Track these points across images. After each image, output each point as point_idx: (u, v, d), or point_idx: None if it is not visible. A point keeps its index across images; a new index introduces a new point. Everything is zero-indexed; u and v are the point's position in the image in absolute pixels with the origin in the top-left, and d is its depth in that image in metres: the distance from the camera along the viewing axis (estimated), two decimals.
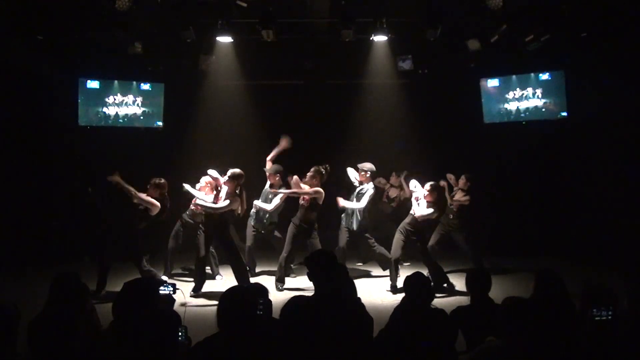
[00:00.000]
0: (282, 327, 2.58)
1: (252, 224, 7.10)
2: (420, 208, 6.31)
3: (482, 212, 7.60)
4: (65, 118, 8.67)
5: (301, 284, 6.83)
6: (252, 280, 6.53)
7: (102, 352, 2.72)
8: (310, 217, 6.52)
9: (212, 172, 6.28)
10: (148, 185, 6.19)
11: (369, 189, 6.71)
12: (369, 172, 6.74)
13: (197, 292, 6.25)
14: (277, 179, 6.89)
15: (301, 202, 6.56)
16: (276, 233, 7.18)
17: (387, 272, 7.15)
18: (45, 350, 2.79)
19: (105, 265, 6.27)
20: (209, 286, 6.55)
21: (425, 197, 6.28)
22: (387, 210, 7.80)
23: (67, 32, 7.19)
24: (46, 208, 8.49)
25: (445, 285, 6.51)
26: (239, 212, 6.32)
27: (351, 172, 6.89)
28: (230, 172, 6.19)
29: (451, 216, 7.03)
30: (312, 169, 6.50)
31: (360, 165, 6.77)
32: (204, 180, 6.64)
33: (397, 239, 6.49)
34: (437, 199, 6.27)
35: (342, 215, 6.83)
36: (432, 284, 3.32)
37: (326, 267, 3.20)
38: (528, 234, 8.52)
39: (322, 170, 6.51)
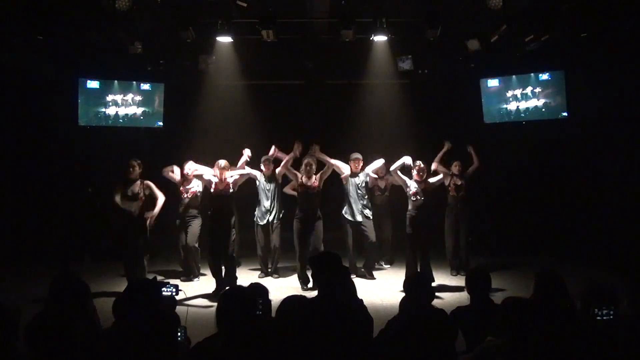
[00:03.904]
0: (278, 327, 2.57)
1: (258, 221, 7.21)
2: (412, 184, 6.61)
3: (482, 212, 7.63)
4: (65, 118, 8.67)
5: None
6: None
7: (102, 352, 2.72)
8: (300, 206, 6.66)
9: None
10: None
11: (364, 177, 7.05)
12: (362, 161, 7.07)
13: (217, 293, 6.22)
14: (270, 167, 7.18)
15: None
16: (275, 234, 7.19)
17: (385, 272, 7.18)
18: (45, 350, 2.79)
19: (130, 263, 6.34)
20: (208, 286, 6.55)
21: (415, 176, 6.56)
22: (383, 202, 7.79)
23: (67, 32, 7.18)
24: (46, 208, 8.49)
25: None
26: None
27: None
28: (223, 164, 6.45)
29: (459, 205, 7.20)
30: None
31: (356, 156, 7.00)
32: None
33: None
34: (424, 178, 6.56)
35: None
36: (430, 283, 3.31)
37: (331, 269, 3.20)
38: (528, 234, 8.52)
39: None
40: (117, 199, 6.24)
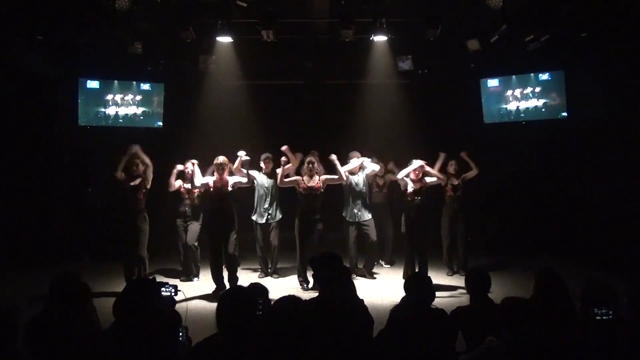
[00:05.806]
0: (270, 327, 2.55)
1: (257, 220, 7.21)
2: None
3: (482, 212, 7.64)
4: (65, 118, 8.67)
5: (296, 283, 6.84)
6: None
7: (102, 353, 2.72)
8: (302, 207, 6.65)
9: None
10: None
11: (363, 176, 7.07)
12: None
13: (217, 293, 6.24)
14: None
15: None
16: (274, 234, 7.20)
17: (385, 272, 7.16)
18: (45, 350, 2.79)
19: (129, 262, 6.40)
20: (208, 286, 6.55)
21: (411, 175, 6.64)
22: (381, 200, 7.81)
23: (67, 32, 7.18)
24: (46, 208, 8.48)
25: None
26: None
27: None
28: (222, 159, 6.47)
29: (456, 205, 7.23)
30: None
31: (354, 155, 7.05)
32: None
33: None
34: (420, 176, 6.65)
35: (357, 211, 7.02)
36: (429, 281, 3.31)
37: (331, 269, 3.20)
38: (528, 234, 8.52)
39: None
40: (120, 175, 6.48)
